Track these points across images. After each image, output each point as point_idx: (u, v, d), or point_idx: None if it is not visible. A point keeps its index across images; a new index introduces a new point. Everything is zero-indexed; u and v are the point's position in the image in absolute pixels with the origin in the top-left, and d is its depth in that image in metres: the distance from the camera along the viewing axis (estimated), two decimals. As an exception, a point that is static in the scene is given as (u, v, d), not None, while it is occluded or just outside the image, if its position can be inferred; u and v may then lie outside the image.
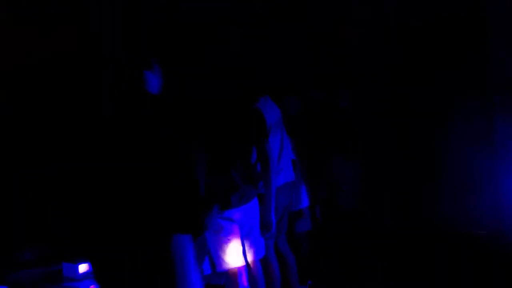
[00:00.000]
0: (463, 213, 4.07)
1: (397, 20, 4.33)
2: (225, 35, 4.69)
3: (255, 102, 3.20)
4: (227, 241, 2.82)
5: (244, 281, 2.82)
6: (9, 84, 4.17)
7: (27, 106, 4.26)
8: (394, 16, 4.31)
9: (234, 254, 2.81)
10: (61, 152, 4.31)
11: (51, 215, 4.20)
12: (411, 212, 3.97)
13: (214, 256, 2.83)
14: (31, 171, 4.19)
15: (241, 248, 2.86)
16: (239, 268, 2.81)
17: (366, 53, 4.28)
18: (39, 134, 4.29)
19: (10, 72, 4.17)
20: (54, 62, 4.36)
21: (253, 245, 2.95)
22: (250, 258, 2.92)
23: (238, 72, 3.12)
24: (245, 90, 3.22)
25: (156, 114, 2.69)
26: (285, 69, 4.23)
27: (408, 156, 4.02)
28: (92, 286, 3.09)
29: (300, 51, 4.52)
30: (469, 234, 4.05)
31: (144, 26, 4.73)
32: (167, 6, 4.63)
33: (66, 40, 4.41)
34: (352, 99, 3.49)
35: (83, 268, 3.14)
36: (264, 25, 4.62)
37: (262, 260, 3.01)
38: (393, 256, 3.63)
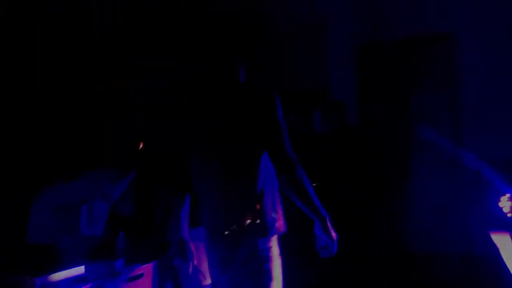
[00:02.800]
0: (434, 235, 4.10)
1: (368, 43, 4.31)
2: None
3: None
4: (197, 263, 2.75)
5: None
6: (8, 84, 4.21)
7: (26, 105, 4.30)
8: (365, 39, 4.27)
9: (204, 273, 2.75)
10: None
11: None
12: (383, 234, 3.93)
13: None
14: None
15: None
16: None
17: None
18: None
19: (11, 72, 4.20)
20: (54, 62, 4.39)
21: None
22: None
23: None
24: None
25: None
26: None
27: (379, 180, 3.98)
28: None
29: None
30: (440, 255, 4.06)
31: (145, 26, 4.68)
32: (167, 6, 4.55)
33: (66, 40, 4.41)
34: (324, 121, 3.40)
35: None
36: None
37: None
38: (366, 276, 3.56)
